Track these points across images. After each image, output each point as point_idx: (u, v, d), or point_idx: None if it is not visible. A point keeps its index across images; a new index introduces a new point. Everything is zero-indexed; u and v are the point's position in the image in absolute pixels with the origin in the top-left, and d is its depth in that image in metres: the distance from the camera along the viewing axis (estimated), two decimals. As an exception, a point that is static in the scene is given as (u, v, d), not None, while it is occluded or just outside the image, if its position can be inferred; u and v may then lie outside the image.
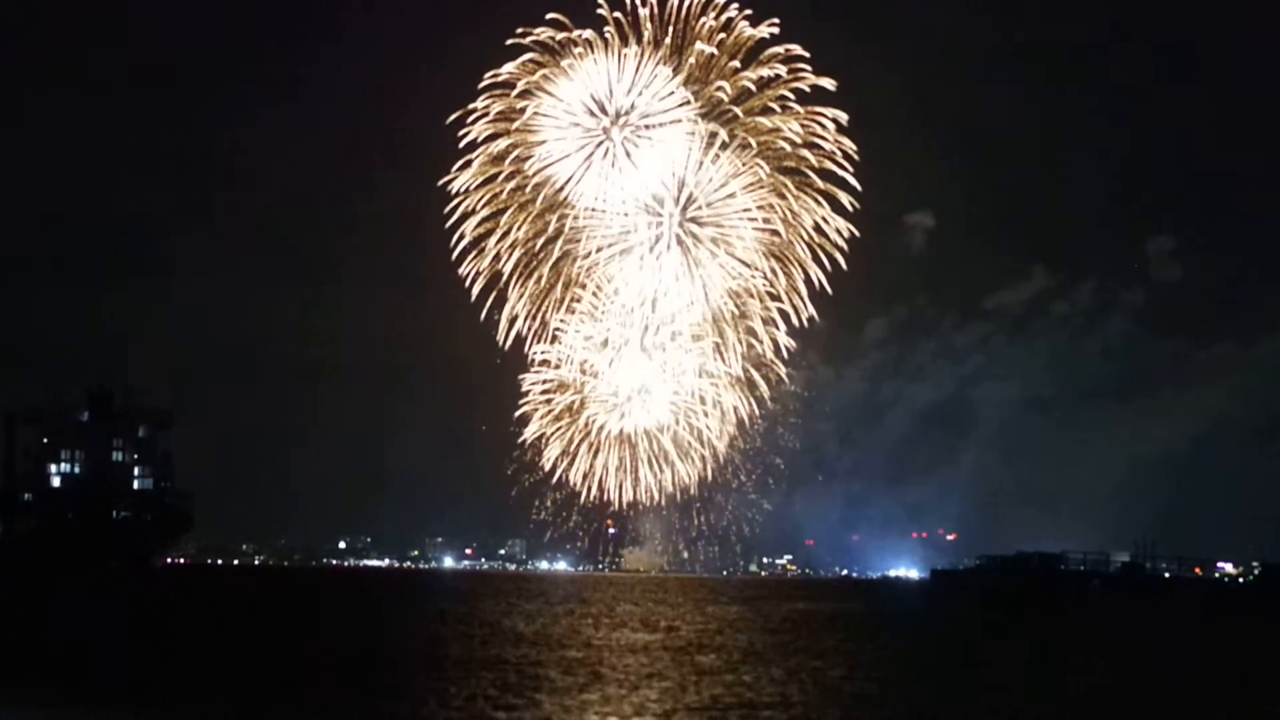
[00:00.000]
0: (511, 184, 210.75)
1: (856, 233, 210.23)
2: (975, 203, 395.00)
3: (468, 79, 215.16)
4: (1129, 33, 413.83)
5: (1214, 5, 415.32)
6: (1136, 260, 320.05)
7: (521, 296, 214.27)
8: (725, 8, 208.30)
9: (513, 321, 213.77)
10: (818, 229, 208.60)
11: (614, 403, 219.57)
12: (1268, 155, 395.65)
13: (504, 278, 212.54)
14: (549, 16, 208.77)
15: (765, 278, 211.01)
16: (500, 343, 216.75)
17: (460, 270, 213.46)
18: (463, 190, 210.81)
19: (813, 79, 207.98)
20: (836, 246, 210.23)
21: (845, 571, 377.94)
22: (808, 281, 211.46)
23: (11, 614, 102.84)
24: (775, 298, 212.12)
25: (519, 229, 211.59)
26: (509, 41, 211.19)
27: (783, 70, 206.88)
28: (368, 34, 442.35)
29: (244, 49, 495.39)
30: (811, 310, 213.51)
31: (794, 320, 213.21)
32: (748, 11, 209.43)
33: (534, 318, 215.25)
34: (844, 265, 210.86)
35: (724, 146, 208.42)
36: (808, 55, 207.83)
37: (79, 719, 45.88)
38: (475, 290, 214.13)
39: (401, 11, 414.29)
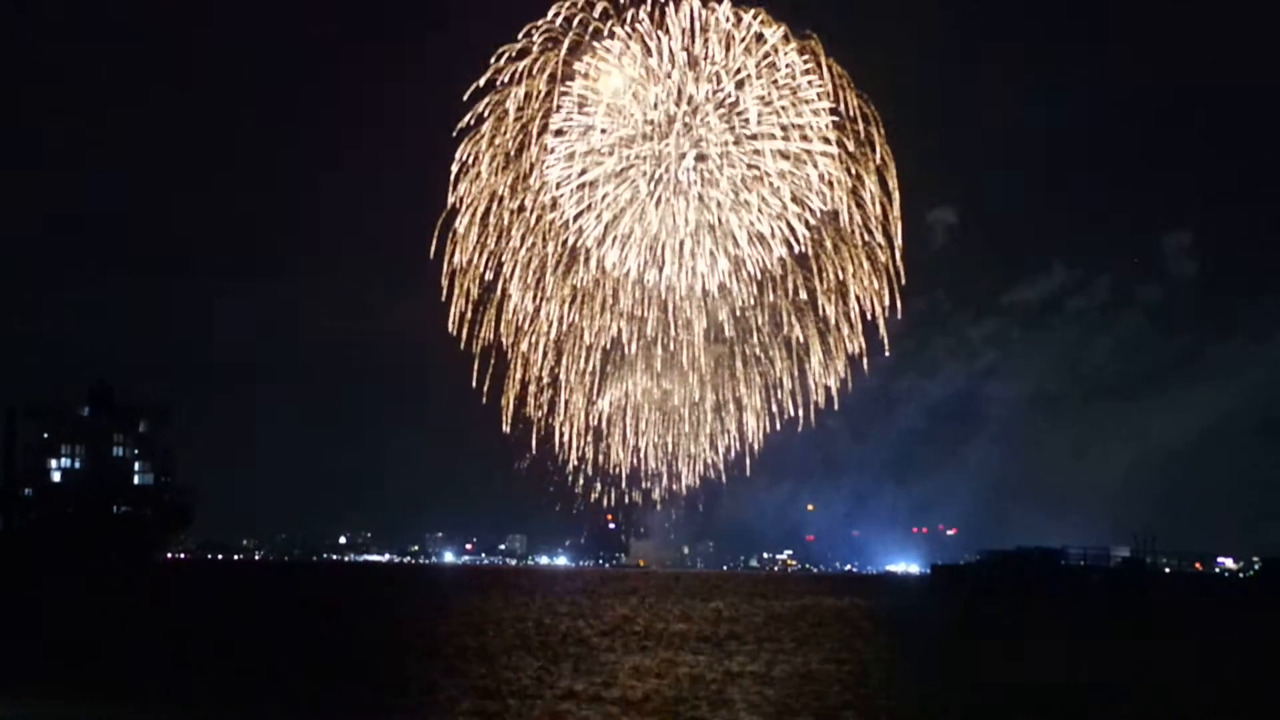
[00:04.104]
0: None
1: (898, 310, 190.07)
2: (996, 199, 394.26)
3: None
4: (1143, 32, 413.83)
5: (1231, 5, 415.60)
6: (1139, 257, 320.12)
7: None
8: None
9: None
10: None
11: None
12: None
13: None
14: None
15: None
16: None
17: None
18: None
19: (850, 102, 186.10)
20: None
21: (847, 567, 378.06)
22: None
23: (12, 609, 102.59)
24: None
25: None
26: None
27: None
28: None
29: (245, 54, 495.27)
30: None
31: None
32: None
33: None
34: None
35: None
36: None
37: (79, 717, 45.70)
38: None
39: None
